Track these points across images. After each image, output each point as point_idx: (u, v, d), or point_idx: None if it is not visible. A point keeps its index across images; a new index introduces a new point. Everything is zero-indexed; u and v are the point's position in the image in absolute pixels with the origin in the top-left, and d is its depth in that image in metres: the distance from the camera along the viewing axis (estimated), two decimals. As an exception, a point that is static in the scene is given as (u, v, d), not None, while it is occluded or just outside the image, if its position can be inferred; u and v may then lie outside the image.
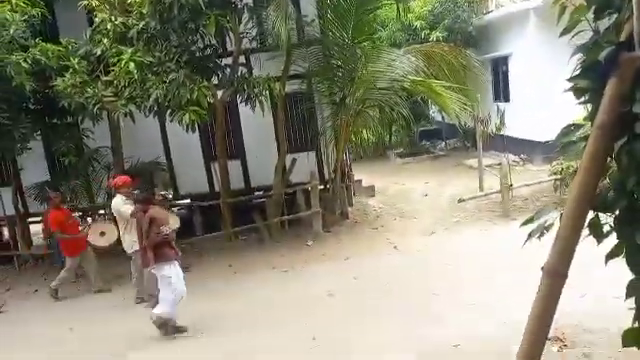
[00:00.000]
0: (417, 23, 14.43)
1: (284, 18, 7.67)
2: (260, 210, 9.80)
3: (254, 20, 8.49)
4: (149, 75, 7.27)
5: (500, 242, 7.67)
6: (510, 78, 13.37)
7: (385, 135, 17.73)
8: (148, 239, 5.70)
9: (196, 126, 7.79)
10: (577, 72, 2.16)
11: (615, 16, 2.00)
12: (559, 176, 9.09)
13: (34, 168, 9.70)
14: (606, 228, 2.23)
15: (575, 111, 2.95)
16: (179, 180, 10.36)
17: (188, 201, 10.62)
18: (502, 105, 13.83)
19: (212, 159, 10.11)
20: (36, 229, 10.25)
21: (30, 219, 10.15)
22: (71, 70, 7.45)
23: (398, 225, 9.68)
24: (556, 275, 2.09)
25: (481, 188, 10.46)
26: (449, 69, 9.82)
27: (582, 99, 2.17)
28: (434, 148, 17.19)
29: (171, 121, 7.74)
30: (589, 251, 2.36)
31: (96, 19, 7.63)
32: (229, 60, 8.34)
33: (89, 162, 9.52)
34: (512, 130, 13.29)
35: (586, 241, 2.23)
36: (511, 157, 12.72)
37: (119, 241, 7.35)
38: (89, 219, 9.79)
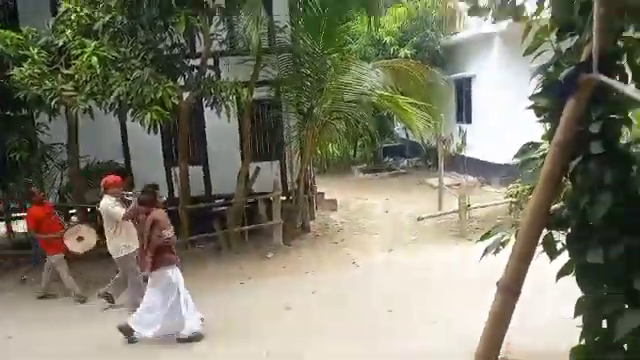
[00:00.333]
0: (387, 39, 14.67)
1: (256, 22, 7.62)
2: (220, 219, 9.57)
3: (225, 22, 8.43)
4: (112, 71, 7.03)
5: (457, 260, 7.79)
6: (473, 100, 13.73)
7: (350, 149, 17.85)
8: (150, 242, 5.47)
9: (158, 127, 7.60)
10: (538, 91, 2.21)
11: (576, 38, 2.06)
12: (514, 199, 9.35)
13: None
14: (559, 246, 2.27)
15: (534, 137, 3.03)
16: (136, 183, 10.03)
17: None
18: (464, 126, 14.18)
19: (173, 163, 9.87)
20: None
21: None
22: (30, 60, 7.12)
23: (359, 240, 9.70)
24: (510, 291, 2.11)
25: (440, 207, 10.65)
26: (415, 86, 10.02)
27: (542, 117, 2.22)
28: (397, 165, 17.42)
29: (132, 120, 7.49)
30: (543, 269, 2.40)
31: (60, 9, 7.34)
32: (197, 61, 8.19)
33: (42, 159, 9.10)
34: (472, 151, 13.62)
35: (541, 259, 2.27)
36: (470, 178, 13.02)
37: (99, 245, 7.07)
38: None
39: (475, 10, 2.58)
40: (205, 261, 8.80)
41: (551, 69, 2.19)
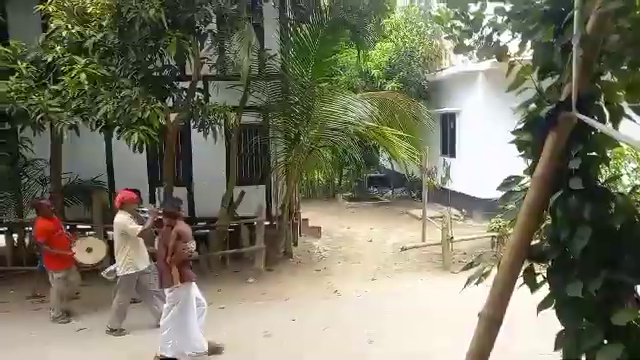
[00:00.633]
0: (375, 72, 14.98)
1: (247, 49, 7.73)
2: (202, 241, 9.47)
3: (216, 47, 8.51)
4: (101, 89, 7.03)
5: (439, 292, 7.78)
6: (457, 134, 14.00)
7: (335, 177, 17.93)
8: (175, 255, 5.31)
9: (144, 147, 7.56)
10: (520, 126, 2.28)
11: (557, 77, 2.14)
12: (497, 233, 9.45)
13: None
14: (539, 279, 2.30)
15: (516, 172, 3.10)
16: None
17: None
18: (448, 159, 14.40)
19: (157, 184, 9.79)
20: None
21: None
22: (17, 74, 7.09)
23: (341, 269, 9.65)
24: (491, 320, 2.12)
25: (424, 238, 10.69)
26: (401, 119, 10.18)
27: (523, 152, 2.28)
28: (381, 195, 17.53)
29: (118, 139, 7.45)
30: (523, 300, 2.43)
31: (51, 25, 7.36)
32: (187, 84, 8.24)
33: (22, 173, 8.95)
34: (456, 185, 13.80)
35: (521, 290, 2.29)
36: (453, 211, 13.14)
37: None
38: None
39: (461, 48, 2.66)
40: (184, 284, 8.63)
41: (532, 106, 2.27)
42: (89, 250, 7.16)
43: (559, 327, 2.17)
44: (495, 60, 2.61)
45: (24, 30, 8.54)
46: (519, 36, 2.37)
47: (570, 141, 2.04)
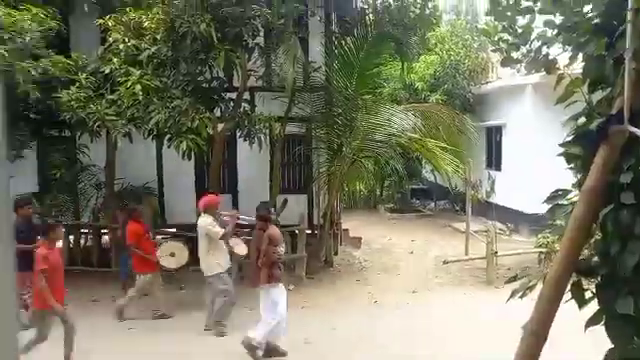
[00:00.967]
0: (419, 84, 14.90)
1: (292, 61, 7.91)
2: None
3: (263, 59, 8.75)
4: (154, 99, 7.38)
5: (483, 307, 7.61)
6: (503, 147, 13.69)
7: (377, 188, 17.87)
8: (265, 257, 5.67)
9: (192, 155, 7.85)
10: (569, 139, 2.26)
11: (608, 90, 2.12)
12: (544, 249, 9.15)
13: (24, 178, 9.61)
14: (588, 294, 2.26)
15: (563, 186, 3.05)
16: (168, 208, 10.28)
17: (174, 230, 10.49)
18: (493, 173, 14.08)
19: (204, 191, 10.08)
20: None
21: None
22: (77, 84, 7.55)
23: (381, 279, 9.60)
24: (536, 335, 2.10)
25: (467, 252, 10.48)
26: (445, 131, 10.08)
27: (572, 165, 2.26)
28: (423, 207, 17.31)
29: (168, 147, 7.78)
30: (571, 317, 2.38)
31: (110, 38, 7.81)
32: (234, 95, 8.51)
33: (78, 178, 9.45)
34: (501, 199, 13.46)
35: (569, 308, 2.25)
36: (498, 225, 12.81)
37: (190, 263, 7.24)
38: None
39: (508, 61, 2.66)
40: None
41: (582, 119, 2.24)
42: (172, 254, 7.45)
43: (608, 345, 2.12)
44: (544, 73, 2.60)
45: (84, 43, 9.07)
46: (569, 49, 2.36)
47: (622, 155, 2.00)
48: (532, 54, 2.59)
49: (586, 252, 2.21)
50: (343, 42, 9.78)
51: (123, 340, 6.62)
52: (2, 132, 1.05)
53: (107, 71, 7.67)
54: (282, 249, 5.86)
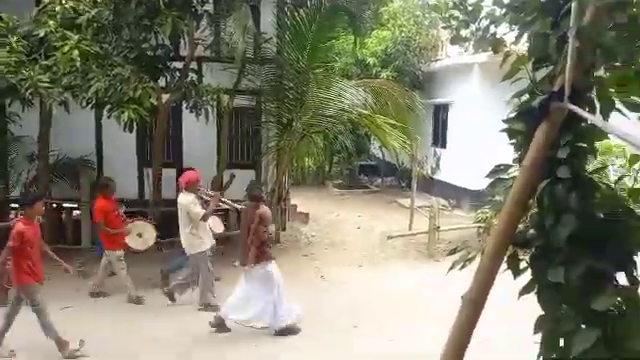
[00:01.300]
0: (370, 60, 14.92)
1: (242, 31, 7.68)
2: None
3: (212, 28, 8.44)
4: (93, 66, 6.97)
5: (424, 279, 7.90)
6: (449, 125, 14.06)
7: (326, 164, 17.95)
8: (255, 236, 5.62)
9: (134, 127, 7.52)
10: (512, 115, 2.32)
11: (551, 68, 2.18)
12: (483, 224, 9.56)
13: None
14: (523, 265, 2.36)
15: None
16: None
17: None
18: (439, 150, 14.47)
19: (146, 164, 9.74)
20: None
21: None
22: (8, 48, 6.99)
23: (328, 254, 9.72)
24: (474, 303, 2.18)
25: (411, 227, 10.79)
26: (394, 108, 10.20)
27: (514, 140, 2.33)
28: (371, 183, 17.60)
29: (109, 117, 7.41)
30: (505, 287, 2.49)
31: (45, -1, 7.26)
32: (180, 64, 8.18)
33: (8, 149, 8.85)
34: (445, 175, 13.89)
35: (504, 276, 2.35)
36: (441, 201, 13.25)
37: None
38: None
39: (457, 39, 2.68)
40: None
41: (525, 96, 2.30)
42: (139, 235, 7.22)
43: (539, 312, 2.23)
44: (491, 53, 2.65)
45: (16, 2, 8.36)
46: (515, 28, 2.40)
47: (560, 131, 2.08)
48: (480, 33, 2.62)
49: (521, 226, 2.30)
50: (296, 13, 9.58)
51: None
52: None
53: (42, 34, 7.14)
54: (272, 228, 5.87)
